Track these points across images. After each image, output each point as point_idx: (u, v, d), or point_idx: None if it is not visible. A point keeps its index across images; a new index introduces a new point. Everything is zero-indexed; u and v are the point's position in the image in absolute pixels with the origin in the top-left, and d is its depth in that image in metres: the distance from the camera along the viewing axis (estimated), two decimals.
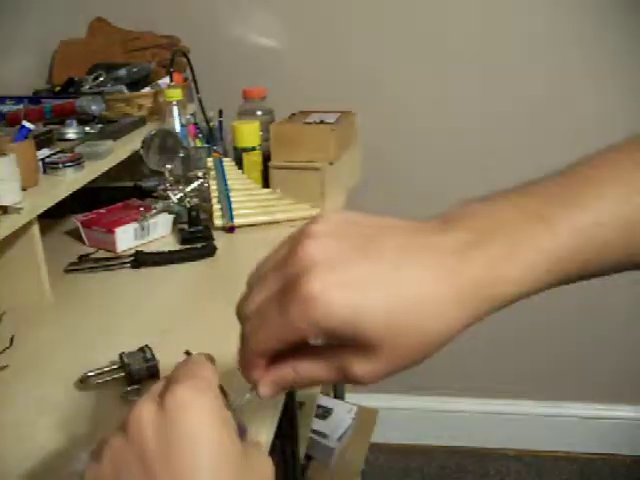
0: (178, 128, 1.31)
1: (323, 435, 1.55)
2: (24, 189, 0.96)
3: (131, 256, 1.14)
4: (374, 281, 0.35)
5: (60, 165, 1.06)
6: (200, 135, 1.44)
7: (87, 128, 1.23)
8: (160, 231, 1.24)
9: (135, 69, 1.41)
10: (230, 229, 1.26)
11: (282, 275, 0.37)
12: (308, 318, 0.35)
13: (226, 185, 1.29)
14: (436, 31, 1.58)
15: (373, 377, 0.37)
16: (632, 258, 0.38)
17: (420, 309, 0.35)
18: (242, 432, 0.40)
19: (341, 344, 0.36)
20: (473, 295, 0.35)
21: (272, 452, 0.73)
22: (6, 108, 1.29)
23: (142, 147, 1.19)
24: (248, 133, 1.37)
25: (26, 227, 0.96)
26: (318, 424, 1.56)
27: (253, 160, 1.38)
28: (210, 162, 1.30)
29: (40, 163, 1.06)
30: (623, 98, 1.56)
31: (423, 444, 1.91)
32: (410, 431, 1.90)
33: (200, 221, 1.23)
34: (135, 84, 1.41)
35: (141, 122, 1.35)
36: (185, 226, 1.23)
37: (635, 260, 0.38)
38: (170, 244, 1.22)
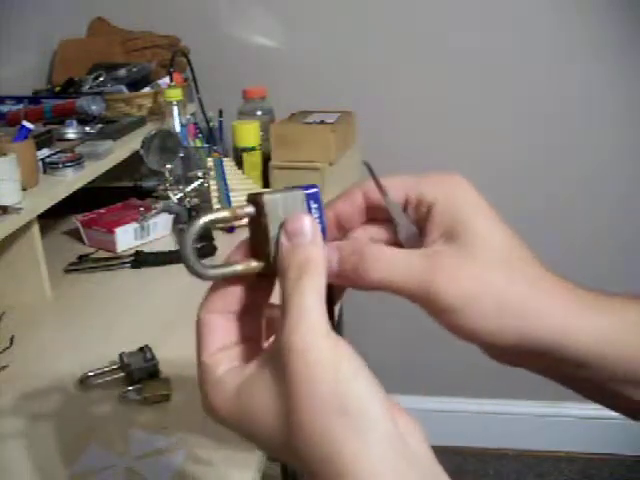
0: (178, 128, 1.31)
1: None
2: (24, 189, 0.96)
3: (131, 256, 1.14)
4: None
5: (60, 165, 1.06)
6: (200, 135, 1.44)
7: (87, 128, 1.23)
8: (160, 231, 1.24)
9: (135, 69, 1.41)
10: (230, 229, 1.26)
11: None
12: None
13: (226, 185, 1.29)
14: (436, 31, 1.57)
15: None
16: None
17: None
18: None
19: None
20: None
21: None
22: (6, 108, 1.29)
23: (142, 147, 1.19)
24: (248, 133, 1.37)
25: (26, 227, 0.96)
26: None
27: (253, 160, 1.38)
28: (210, 162, 1.30)
29: (40, 163, 1.06)
30: (625, 98, 1.56)
31: None
32: None
33: None
34: (135, 84, 1.41)
35: (141, 122, 1.35)
36: (185, 226, 1.23)
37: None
38: (170, 244, 1.22)
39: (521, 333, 0.35)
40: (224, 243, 1.20)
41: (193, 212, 1.22)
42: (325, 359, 0.31)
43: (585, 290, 0.36)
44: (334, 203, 0.39)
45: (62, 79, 1.44)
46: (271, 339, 0.38)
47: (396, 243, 0.38)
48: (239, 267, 0.36)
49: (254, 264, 0.36)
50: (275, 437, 0.32)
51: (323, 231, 0.36)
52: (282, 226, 0.35)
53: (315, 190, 0.37)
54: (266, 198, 0.36)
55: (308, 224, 0.35)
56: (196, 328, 0.37)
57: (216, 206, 1.26)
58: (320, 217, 0.36)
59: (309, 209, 0.36)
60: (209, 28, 1.64)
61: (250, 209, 0.36)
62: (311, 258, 0.34)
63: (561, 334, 0.35)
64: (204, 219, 0.36)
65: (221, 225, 1.25)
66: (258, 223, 0.36)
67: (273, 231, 0.35)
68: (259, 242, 0.36)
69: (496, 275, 0.35)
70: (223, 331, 0.37)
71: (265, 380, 0.32)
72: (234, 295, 0.37)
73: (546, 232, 1.70)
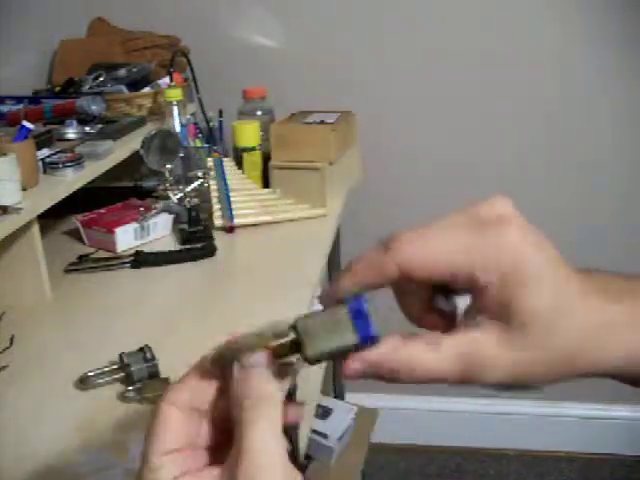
0: (178, 128, 1.31)
1: (323, 435, 1.55)
2: (24, 189, 0.96)
3: (131, 256, 1.14)
4: None
5: (60, 165, 1.06)
6: (200, 135, 1.44)
7: (87, 128, 1.23)
8: (160, 231, 1.24)
9: (135, 69, 1.41)
10: (230, 229, 1.26)
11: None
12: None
13: (226, 185, 1.29)
14: (436, 31, 1.57)
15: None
16: None
17: None
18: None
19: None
20: None
21: None
22: (6, 108, 1.29)
23: (142, 147, 1.19)
24: (248, 133, 1.37)
25: (26, 227, 0.96)
26: (318, 424, 1.56)
27: (253, 160, 1.38)
28: (210, 162, 1.30)
29: (40, 163, 1.06)
30: (627, 99, 1.56)
31: (423, 444, 1.91)
32: (410, 431, 1.90)
33: (200, 221, 1.23)
34: (135, 84, 1.41)
35: (141, 122, 1.35)
36: (185, 226, 1.23)
37: None
38: (170, 244, 1.22)
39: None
40: (224, 243, 1.20)
41: (193, 212, 1.22)
42: None
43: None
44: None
45: (62, 79, 1.44)
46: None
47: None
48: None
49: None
50: None
51: (372, 339, 0.34)
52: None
53: (359, 302, 0.35)
54: (300, 325, 0.35)
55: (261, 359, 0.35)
56: (152, 416, 0.36)
57: (216, 206, 1.26)
58: (368, 328, 0.34)
59: (355, 327, 0.34)
60: (209, 28, 1.64)
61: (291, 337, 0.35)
62: (264, 394, 0.34)
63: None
64: (235, 347, 0.36)
65: (221, 225, 1.25)
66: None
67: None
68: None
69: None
70: (179, 430, 0.36)
71: None
72: (204, 392, 0.37)
73: (546, 231, 1.70)
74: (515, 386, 0.37)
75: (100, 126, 1.25)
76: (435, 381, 0.35)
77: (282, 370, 0.36)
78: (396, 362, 0.34)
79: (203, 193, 1.26)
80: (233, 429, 0.34)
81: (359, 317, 0.34)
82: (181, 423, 0.36)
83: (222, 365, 0.36)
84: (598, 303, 0.34)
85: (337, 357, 0.35)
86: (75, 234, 1.25)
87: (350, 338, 0.34)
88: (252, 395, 0.34)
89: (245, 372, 0.35)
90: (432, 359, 0.34)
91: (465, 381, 0.35)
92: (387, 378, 0.35)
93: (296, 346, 0.35)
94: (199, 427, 0.37)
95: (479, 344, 0.34)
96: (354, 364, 0.35)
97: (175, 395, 0.36)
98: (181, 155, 1.24)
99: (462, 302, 0.36)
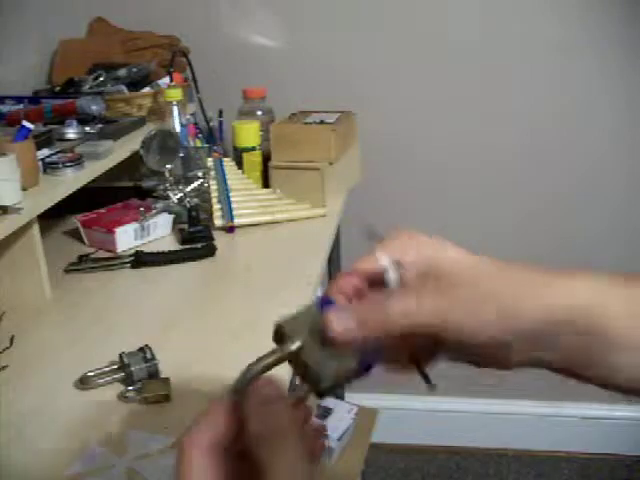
0: (178, 128, 1.31)
1: None
2: (24, 189, 0.96)
3: (131, 256, 1.14)
4: None
5: (60, 165, 1.06)
6: (200, 135, 1.44)
7: (87, 128, 1.23)
8: (160, 231, 1.24)
9: (135, 69, 1.41)
10: (230, 229, 1.26)
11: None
12: None
13: (226, 185, 1.29)
14: (436, 31, 1.57)
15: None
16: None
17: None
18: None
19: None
20: None
21: None
22: (6, 108, 1.29)
23: (142, 147, 1.19)
24: (248, 133, 1.37)
25: (26, 227, 0.96)
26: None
27: (253, 160, 1.38)
28: (210, 162, 1.30)
29: (40, 163, 1.06)
30: (627, 98, 1.56)
31: (423, 444, 1.91)
32: (410, 431, 1.90)
33: (200, 221, 1.23)
34: (135, 84, 1.41)
35: (141, 122, 1.35)
36: (185, 226, 1.23)
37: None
38: (170, 244, 1.22)
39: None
40: (224, 243, 1.20)
41: (193, 212, 1.22)
42: None
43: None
44: (350, 277, 0.43)
45: (62, 79, 1.44)
46: None
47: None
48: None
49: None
50: None
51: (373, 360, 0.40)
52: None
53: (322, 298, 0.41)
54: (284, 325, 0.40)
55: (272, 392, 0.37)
56: (177, 459, 0.36)
57: (216, 206, 1.26)
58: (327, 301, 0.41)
59: (321, 310, 0.40)
60: (209, 28, 1.64)
61: (297, 344, 0.39)
62: (279, 430, 0.35)
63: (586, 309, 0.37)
64: (256, 368, 0.38)
65: (221, 225, 1.25)
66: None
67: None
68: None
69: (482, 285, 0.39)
70: (204, 471, 0.36)
71: None
72: (226, 427, 0.37)
73: (546, 230, 1.70)
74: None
75: (100, 126, 1.25)
76: (418, 324, 0.38)
77: (297, 401, 0.39)
78: (387, 305, 0.39)
79: (203, 193, 1.26)
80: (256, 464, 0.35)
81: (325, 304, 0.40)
82: (205, 464, 0.36)
83: (239, 398, 0.37)
84: (516, 268, 0.40)
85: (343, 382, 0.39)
86: (75, 234, 1.25)
87: (351, 363, 0.39)
88: (266, 433, 0.35)
89: (257, 409, 0.36)
90: (410, 298, 0.39)
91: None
92: (375, 326, 0.39)
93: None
94: (224, 463, 0.37)
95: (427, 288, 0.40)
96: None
97: (197, 436, 0.36)
98: (181, 155, 1.24)
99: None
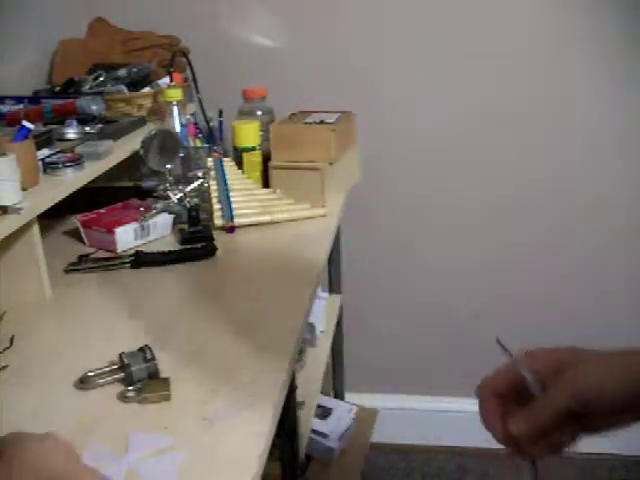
0: (178, 128, 1.31)
1: (323, 435, 1.55)
2: (24, 189, 0.96)
3: (131, 256, 1.14)
4: None
5: (60, 165, 1.06)
6: (200, 135, 1.44)
7: (87, 128, 1.23)
8: (160, 231, 1.24)
9: (135, 69, 1.41)
10: (230, 229, 1.26)
11: None
12: None
13: (226, 185, 1.29)
14: (436, 31, 1.57)
15: None
16: None
17: None
18: None
19: None
20: None
21: (272, 451, 0.73)
22: (6, 108, 1.29)
23: (142, 147, 1.19)
24: (248, 133, 1.37)
25: (26, 227, 0.96)
26: (318, 424, 1.56)
27: (253, 160, 1.38)
28: (210, 162, 1.30)
29: (40, 163, 1.06)
30: (623, 97, 1.56)
31: (423, 444, 1.91)
32: (410, 431, 1.90)
33: (200, 221, 1.23)
34: (135, 84, 1.41)
35: (141, 122, 1.35)
36: (185, 226, 1.23)
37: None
38: (170, 244, 1.22)
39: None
40: (224, 243, 1.20)
41: (193, 212, 1.22)
42: None
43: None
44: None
45: (62, 79, 1.44)
46: None
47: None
48: None
49: None
50: None
51: None
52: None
53: None
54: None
55: None
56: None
57: (216, 206, 1.26)
58: None
59: None
60: (209, 28, 1.64)
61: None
62: None
63: None
64: None
65: (221, 225, 1.25)
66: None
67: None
68: None
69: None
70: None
71: None
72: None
73: (542, 229, 1.70)
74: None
75: (100, 126, 1.25)
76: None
77: None
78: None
79: (203, 193, 1.26)
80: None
81: None
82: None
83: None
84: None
85: None
86: (75, 234, 1.25)
87: None
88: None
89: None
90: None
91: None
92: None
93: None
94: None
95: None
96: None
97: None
98: (181, 155, 1.24)
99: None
